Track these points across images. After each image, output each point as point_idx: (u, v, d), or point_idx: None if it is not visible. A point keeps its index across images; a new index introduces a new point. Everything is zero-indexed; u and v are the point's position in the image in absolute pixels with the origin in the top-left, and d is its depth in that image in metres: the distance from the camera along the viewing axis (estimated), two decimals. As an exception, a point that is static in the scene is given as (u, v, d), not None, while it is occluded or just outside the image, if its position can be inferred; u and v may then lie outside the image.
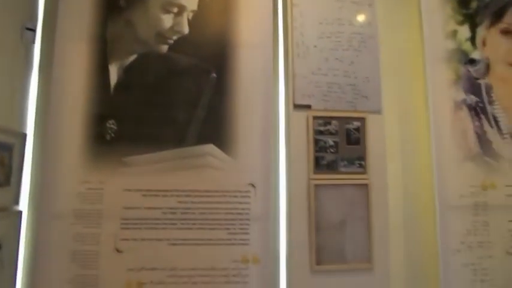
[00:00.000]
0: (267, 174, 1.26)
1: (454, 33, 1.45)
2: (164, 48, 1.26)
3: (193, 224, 1.20)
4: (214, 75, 1.28)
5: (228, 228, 1.21)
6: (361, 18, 1.42)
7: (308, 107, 1.33)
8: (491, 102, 1.42)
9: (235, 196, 1.23)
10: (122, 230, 1.16)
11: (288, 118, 1.33)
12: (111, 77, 1.22)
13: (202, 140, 1.24)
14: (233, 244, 1.21)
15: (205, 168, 1.23)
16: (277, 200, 1.32)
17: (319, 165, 1.30)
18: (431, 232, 1.33)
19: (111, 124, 1.19)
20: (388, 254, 1.29)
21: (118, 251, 1.15)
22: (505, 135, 1.40)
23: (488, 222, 1.34)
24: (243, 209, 1.23)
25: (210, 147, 1.24)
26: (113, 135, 1.19)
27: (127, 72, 1.23)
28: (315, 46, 1.36)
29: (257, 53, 1.31)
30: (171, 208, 1.19)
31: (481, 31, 1.46)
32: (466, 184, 1.34)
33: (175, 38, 1.27)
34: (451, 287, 1.28)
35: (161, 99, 1.23)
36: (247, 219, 1.22)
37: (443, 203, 1.31)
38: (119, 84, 1.22)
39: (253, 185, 1.24)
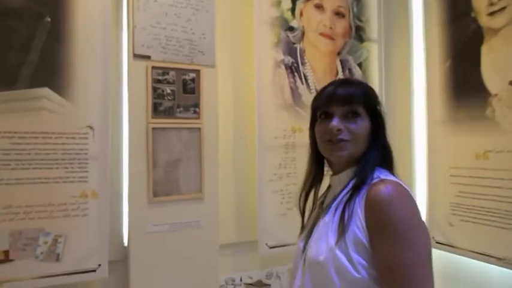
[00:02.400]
0: (106, 117, 1.37)
1: (279, 3, 1.72)
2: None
3: (30, 164, 1.25)
4: (48, 19, 1.29)
5: (66, 167, 1.30)
6: (200, -21, 1.56)
7: (148, 57, 1.46)
8: (303, 63, 1.76)
9: (73, 138, 1.32)
10: None
11: (129, 66, 1.44)
12: None
13: (36, 83, 1.26)
14: (72, 182, 1.31)
15: (40, 110, 1.27)
16: (119, 141, 1.46)
17: (157, 110, 1.46)
18: (252, 166, 1.65)
19: None
20: (218, 185, 1.56)
21: None
22: (311, 90, 1.77)
23: (295, 158, 1.71)
24: (81, 149, 1.32)
25: (45, 91, 1.27)
26: None
27: None
28: (155, 1, 1.47)
29: (96, 1, 1.36)
30: (3, 150, 1.22)
31: (299, 4, 1.76)
32: (280, 128, 1.68)
33: (1, -25, 1.22)
34: (265, 208, 1.63)
35: (-13, 40, 1.20)
36: (86, 159, 1.33)
37: (262, 143, 1.63)
38: None
39: (91, 127, 1.34)
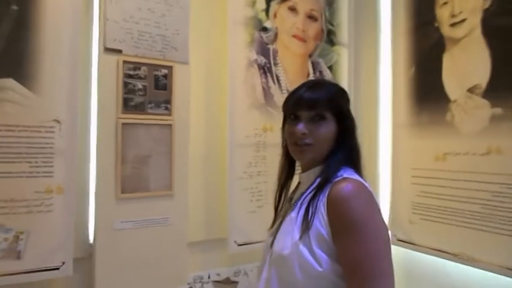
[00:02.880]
0: (74, 111, 1.33)
1: (253, 3, 1.74)
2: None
3: (-10, 157, 1.20)
4: (15, 7, 1.24)
5: (30, 162, 1.25)
6: (174, -26, 1.56)
7: (119, 51, 1.43)
8: (276, 64, 1.79)
9: (39, 131, 1.27)
10: None
11: (99, 60, 1.41)
12: None
13: (0, 73, 1.21)
14: (36, 177, 1.27)
15: (4, 102, 1.22)
16: (86, 136, 1.43)
17: (128, 106, 1.44)
18: (223, 164, 1.66)
19: None
20: (187, 182, 1.56)
21: None
22: (283, 91, 1.80)
23: (266, 156, 1.74)
24: (46, 143, 1.28)
25: (10, 82, 1.23)
26: None
27: None
28: (128, -6, 1.44)
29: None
30: (-38, 141, 1.16)
31: (274, 5, 1.79)
32: (251, 127, 1.70)
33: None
34: (235, 206, 1.64)
35: None
36: (51, 153, 1.29)
37: (233, 141, 1.64)
38: None
39: (58, 121, 1.30)
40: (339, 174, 0.85)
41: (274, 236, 0.92)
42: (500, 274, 1.39)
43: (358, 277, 0.75)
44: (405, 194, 1.74)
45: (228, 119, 1.63)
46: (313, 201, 0.84)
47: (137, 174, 1.46)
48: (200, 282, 1.69)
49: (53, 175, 1.29)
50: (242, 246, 1.67)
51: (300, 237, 0.81)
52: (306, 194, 0.89)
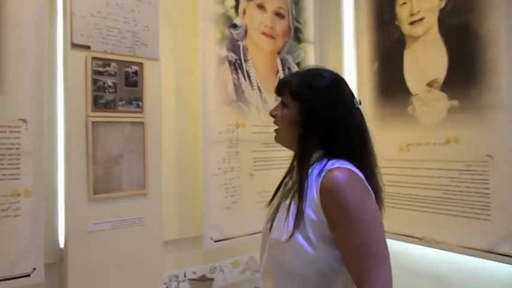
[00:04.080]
0: (41, 110, 1.27)
1: (223, 0, 1.74)
2: None
3: (-51, 160, 1.12)
4: (-29, -1, 1.16)
5: (-6, 164, 1.18)
6: (142, -31, 1.52)
7: (87, 47, 1.38)
8: (246, 61, 1.81)
9: (4, 131, 1.20)
10: None
11: (66, 56, 1.35)
12: None
13: (-43, 70, 1.13)
14: (1, 179, 1.19)
15: (-38, 101, 1.14)
16: (54, 135, 1.37)
17: (98, 103, 1.39)
18: (196, 161, 1.65)
19: None
20: (161, 181, 1.54)
21: None
22: (254, 87, 1.82)
23: (239, 152, 1.75)
24: (12, 144, 1.21)
25: (-31, 79, 1.15)
26: None
27: None
28: (95, -12, 1.40)
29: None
30: None
31: (242, 2, 1.80)
32: (224, 123, 1.71)
33: None
34: (209, 202, 1.64)
35: None
36: (18, 154, 1.22)
37: (206, 138, 1.64)
38: None
39: (24, 120, 1.23)
40: (330, 162, 0.86)
41: (271, 222, 0.94)
42: (460, 253, 1.51)
43: (358, 260, 0.79)
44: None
45: (201, 116, 1.63)
46: (304, 189, 0.86)
47: (109, 174, 1.42)
48: (176, 281, 1.67)
49: (20, 177, 1.23)
50: (218, 242, 1.68)
51: (295, 225, 0.84)
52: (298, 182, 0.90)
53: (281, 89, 0.96)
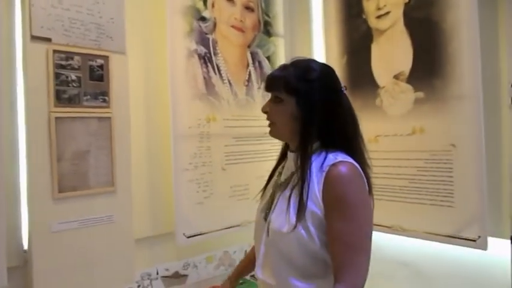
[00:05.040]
0: (-2, 105, 1.21)
1: (191, -8, 1.71)
2: None
3: None
4: None
5: None
6: (105, -41, 1.47)
7: (48, 40, 1.32)
8: (216, 54, 1.79)
9: (-43, 128, 1.13)
10: None
11: (25, 49, 1.29)
12: None
13: None
14: (-44, 179, 1.13)
15: None
16: (14, 132, 1.30)
17: (61, 98, 1.34)
18: (166, 156, 1.62)
19: None
20: (130, 177, 1.50)
21: None
22: (224, 81, 1.81)
23: (210, 147, 1.74)
24: (-33, 141, 1.15)
25: None
26: None
27: None
28: (55, -22, 1.33)
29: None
30: None
31: (211, -6, 1.78)
32: (194, 118, 1.69)
33: None
34: (181, 198, 1.62)
35: None
36: (-26, 152, 1.16)
37: (176, 133, 1.61)
38: None
39: (-20, 116, 1.17)
40: (333, 156, 0.88)
41: (267, 212, 0.96)
42: (426, 239, 1.57)
43: (345, 249, 0.83)
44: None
45: (171, 110, 1.60)
46: (307, 181, 0.88)
47: (75, 171, 1.37)
48: (148, 279, 1.65)
49: (-23, 177, 1.16)
50: (191, 238, 1.66)
51: (298, 217, 0.86)
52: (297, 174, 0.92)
53: (273, 85, 0.96)
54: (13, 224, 1.29)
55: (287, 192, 0.92)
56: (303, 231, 0.86)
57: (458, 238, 1.46)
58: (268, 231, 0.94)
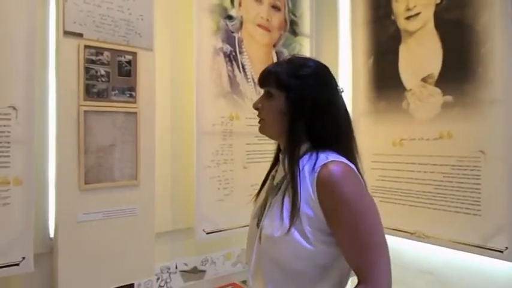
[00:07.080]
0: (31, 97, 1.25)
1: (219, -9, 1.73)
2: None
3: None
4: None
5: (-17, 151, 1.17)
6: (137, -43, 1.50)
7: (80, 35, 1.36)
8: (241, 53, 1.79)
9: (-7, 119, 1.19)
10: None
11: (58, 44, 1.33)
12: None
13: None
14: (-9, 167, 1.18)
15: (-49, 87, 1.12)
16: (45, 124, 1.35)
17: (90, 92, 1.38)
18: (190, 153, 1.64)
19: None
20: (154, 172, 1.53)
21: None
22: (248, 79, 1.81)
23: (232, 144, 1.75)
24: (2, 132, 1.20)
25: (-43, 65, 1.13)
26: None
27: None
28: (88, -25, 1.37)
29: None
30: None
31: (238, -7, 1.79)
32: (218, 115, 1.70)
33: None
34: (202, 194, 1.64)
35: None
36: (8, 142, 1.21)
37: (200, 130, 1.63)
38: None
39: (14, 108, 1.22)
40: (323, 156, 0.85)
41: (259, 217, 0.93)
42: (451, 248, 1.52)
43: (360, 250, 0.79)
44: (366, 179, 1.83)
45: (195, 107, 1.62)
46: (298, 184, 0.84)
47: (101, 164, 1.40)
48: (167, 272, 1.67)
49: (10, 165, 1.21)
50: (210, 234, 1.67)
51: (291, 221, 0.82)
52: (287, 178, 0.88)
53: (265, 80, 0.92)
54: (41, 213, 1.34)
55: (279, 197, 0.89)
56: (298, 236, 0.82)
57: (484, 248, 1.42)
58: (260, 238, 0.90)
